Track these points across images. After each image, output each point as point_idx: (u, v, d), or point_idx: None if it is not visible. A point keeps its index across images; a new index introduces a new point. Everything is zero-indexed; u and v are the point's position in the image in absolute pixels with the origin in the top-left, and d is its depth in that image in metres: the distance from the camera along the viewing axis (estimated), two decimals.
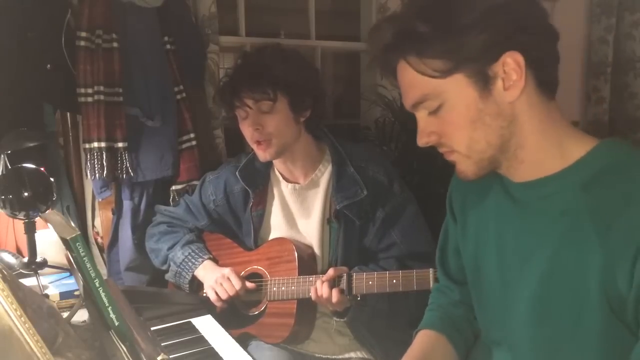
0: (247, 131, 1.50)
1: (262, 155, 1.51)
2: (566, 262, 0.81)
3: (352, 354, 1.57)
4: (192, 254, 1.62)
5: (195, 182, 1.83)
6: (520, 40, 0.79)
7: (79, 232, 0.81)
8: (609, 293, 0.76)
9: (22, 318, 0.69)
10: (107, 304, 0.81)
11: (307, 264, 1.53)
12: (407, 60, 0.82)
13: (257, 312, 1.57)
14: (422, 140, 0.88)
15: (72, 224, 1.68)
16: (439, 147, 0.88)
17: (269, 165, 1.62)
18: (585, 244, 0.78)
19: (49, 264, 1.57)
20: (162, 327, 1.36)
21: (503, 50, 0.78)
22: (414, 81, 0.83)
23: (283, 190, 1.61)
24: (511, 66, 0.79)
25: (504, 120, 0.82)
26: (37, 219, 1.47)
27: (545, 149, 0.84)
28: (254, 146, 1.52)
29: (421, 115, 0.87)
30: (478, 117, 0.81)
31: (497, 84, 0.80)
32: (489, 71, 0.79)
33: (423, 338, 1.07)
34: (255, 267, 1.59)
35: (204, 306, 1.49)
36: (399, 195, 1.54)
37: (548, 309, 0.84)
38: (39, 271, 1.52)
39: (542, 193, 0.85)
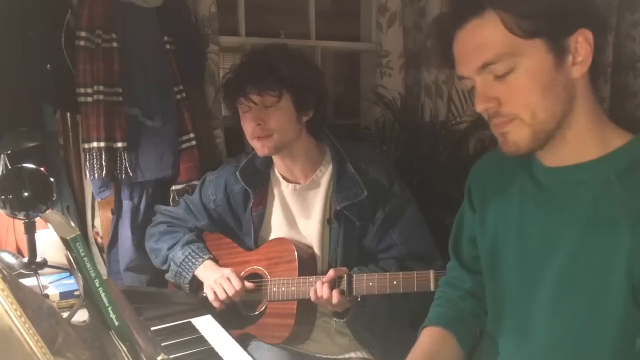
0: (249, 126, 1.50)
1: (261, 149, 1.51)
2: (593, 247, 0.82)
3: (352, 354, 1.57)
4: (193, 253, 1.62)
5: (195, 182, 1.83)
6: (593, 21, 0.81)
7: (79, 232, 0.80)
8: (634, 279, 0.78)
9: (22, 318, 0.69)
10: (107, 304, 0.81)
11: (308, 264, 1.53)
12: (498, 12, 0.80)
13: (257, 313, 1.57)
14: (481, 106, 0.86)
15: (72, 224, 1.68)
16: (493, 117, 0.86)
17: (269, 165, 1.62)
18: (614, 231, 0.80)
19: (49, 264, 1.56)
20: (162, 327, 1.36)
21: (580, 25, 0.80)
22: (491, 39, 0.81)
23: (283, 191, 1.61)
24: (582, 43, 0.81)
25: (569, 95, 0.83)
26: (37, 219, 1.47)
27: (589, 134, 0.85)
28: (254, 141, 1.52)
29: (484, 80, 0.85)
30: (550, 85, 0.82)
31: (568, 58, 0.82)
32: (565, 43, 0.81)
33: (429, 335, 1.06)
34: (255, 267, 1.59)
35: (204, 306, 1.50)
36: (399, 196, 1.53)
37: (569, 294, 0.85)
38: (39, 271, 1.51)
39: (576, 179, 0.86)
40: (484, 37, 0.82)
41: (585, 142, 0.85)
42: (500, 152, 1.02)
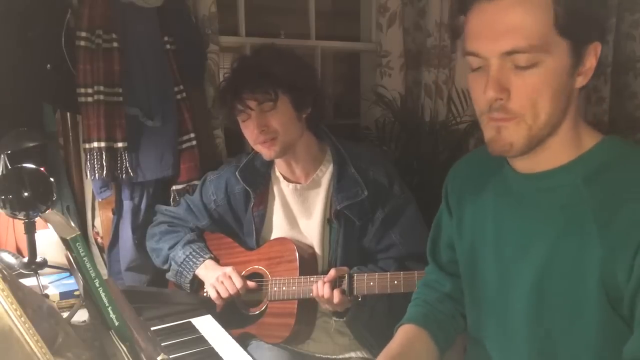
0: (252, 134, 1.50)
1: (267, 153, 1.51)
2: (565, 254, 0.81)
3: (352, 354, 1.57)
4: (194, 253, 1.62)
5: (195, 182, 1.83)
6: (604, 35, 0.82)
7: (79, 232, 0.80)
8: (607, 285, 0.77)
9: (22, 318, 0.69)
10: (107, 304, 0.81)
11: (308, 264, 1.53)
12: None
13: (257, 312, 1.57)
14: (491, 93, 0.78)
15: (72, 224, 1.68)
16: (496, 110, 0.80)
17: (269, 165, 1.62)
18: (585, 237, 0.79)
19: (49, 264, 1.56)
20: (162, 327, 1.36)
21: (597, 37, 0.79)
22: (530, 25, 0.75)
23: (284, 190, 1.61)
24: (591, 54, 0.79)
25: (567, 103, 0.82)
26: (37, 219, 1.47)
27: (567, 140, 0.84)
28: (258, 146, 1.51)
29: (503, 66, 0.78)
30: (561, 89, 0.79)
31: (579, 67, 0.80)
32: (583, 51, 0.79)
33: (405, 332, 1.06)
34: (256, 266, 1.59)
35: (204, 306, 1.49)
36: (399, 196, 1.54)
37: (546, 301, 0.84)
38: (39, 271, 1.51)
39: (545, 186, 0.85)
40: (523, 21, 0.75)
41: (561, 149, 0.84)
42: (476, 156, 1.01)
